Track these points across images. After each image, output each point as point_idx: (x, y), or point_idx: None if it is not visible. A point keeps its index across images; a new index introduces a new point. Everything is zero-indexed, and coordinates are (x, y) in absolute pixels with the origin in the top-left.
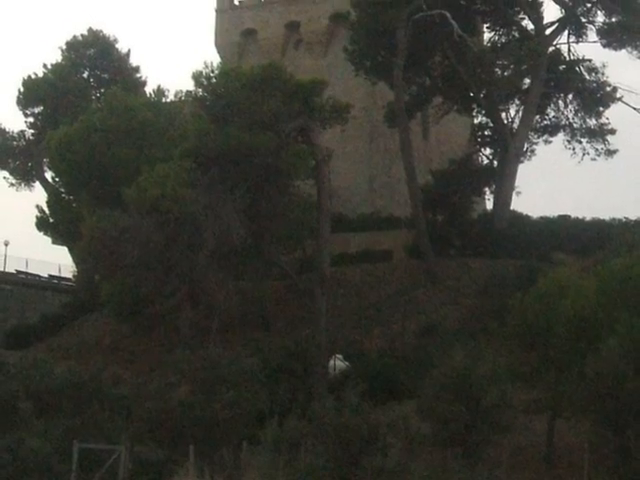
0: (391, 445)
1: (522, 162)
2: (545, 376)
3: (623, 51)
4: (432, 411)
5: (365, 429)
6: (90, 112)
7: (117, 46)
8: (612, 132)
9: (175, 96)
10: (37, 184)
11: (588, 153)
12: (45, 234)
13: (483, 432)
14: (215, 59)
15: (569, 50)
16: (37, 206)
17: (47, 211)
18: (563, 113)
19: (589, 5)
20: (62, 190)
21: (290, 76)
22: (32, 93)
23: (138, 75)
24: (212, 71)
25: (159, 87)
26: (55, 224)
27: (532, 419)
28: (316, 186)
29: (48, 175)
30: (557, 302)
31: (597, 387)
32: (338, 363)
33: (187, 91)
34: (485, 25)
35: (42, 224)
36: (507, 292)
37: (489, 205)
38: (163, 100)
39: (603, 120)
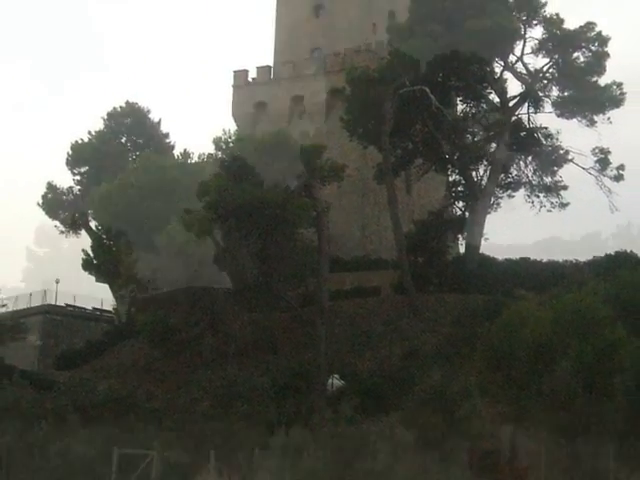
0: (379, 450)
1: (489, 213)
2: (509, 392)
3: (574, 120)
4: (414, 421)
5: (358, 437)
6: (127, 172)
7: (150, 116)
8: (564, 188)
9: (198, 158)
10: (82, 232)
11: (544, 206)
12: (90, 273)
13: (457, 439)
14: (232, 127)
15: (529, 119)
16: (83, 250)
17: (91, 254)
18: (524, 172)
19: (545, 82)
20: (104, 237)
21: (295, 141)
22: (79, 156)
23: (167, 140)
24: (229, 137)
25: (185, 150)
26: (98, 265)
27: (498, 428)
28: (317, 233)
29: (92, 224)
30: (519, 330)
31: (552, 402)
32: (335, 382)
33: (209, 154)
34: (458, 98)
35: (87, 265)
36: (477, 322)
37: (462, 249)
38: (188, 161)
39: (557, 178)
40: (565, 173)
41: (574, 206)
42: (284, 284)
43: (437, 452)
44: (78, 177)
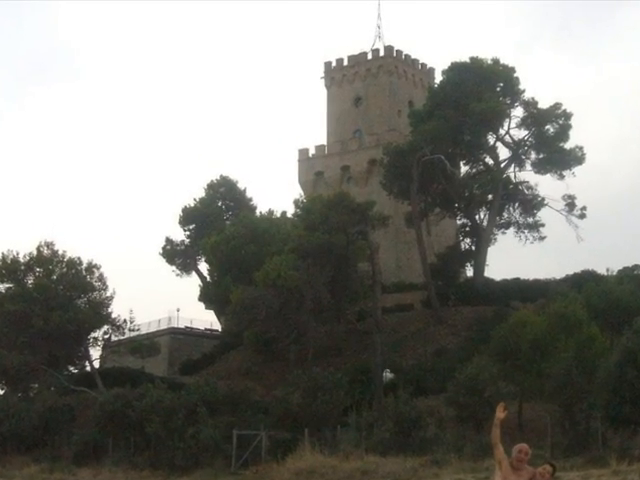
0: (429, 423)
1: (489, 246)
2: (516, 377)
3: (547, 175)
4: (454, 401)
5: (412, 413)
6: (229, 226)
7: (238, 185)
8: (542, 225)
9: (280, 214)
10: (193, 273)
11: (528, 239)
12: (203, 303)
13: (485, 413)
14: (299, 190)
15: (515, 176)
16: (199, 285)
17: (203, 289)
18: (512, 215)
19: (526, 148)
20: (213, 276)
21: (352, 199)
22: (188, 216)
23: (251, 202)
24: (303, 198)
25: (269, 209)
26: (209, 297)
27: (510, 403)
28: (371, 266)
29: (201, 267)
30: (521, 331)
31: (551, 381)
32: (387, 375)
33: (287, 211)
34: (463, 162)
35: (202, 297)
36: (487, 327)
37: (470, 273)
38: (273, 217)
39: (537, 218)
40: (542, 214)
41: (550, 237)
42: (346, 304)
43: (472, 423)
44: (187, 232)
